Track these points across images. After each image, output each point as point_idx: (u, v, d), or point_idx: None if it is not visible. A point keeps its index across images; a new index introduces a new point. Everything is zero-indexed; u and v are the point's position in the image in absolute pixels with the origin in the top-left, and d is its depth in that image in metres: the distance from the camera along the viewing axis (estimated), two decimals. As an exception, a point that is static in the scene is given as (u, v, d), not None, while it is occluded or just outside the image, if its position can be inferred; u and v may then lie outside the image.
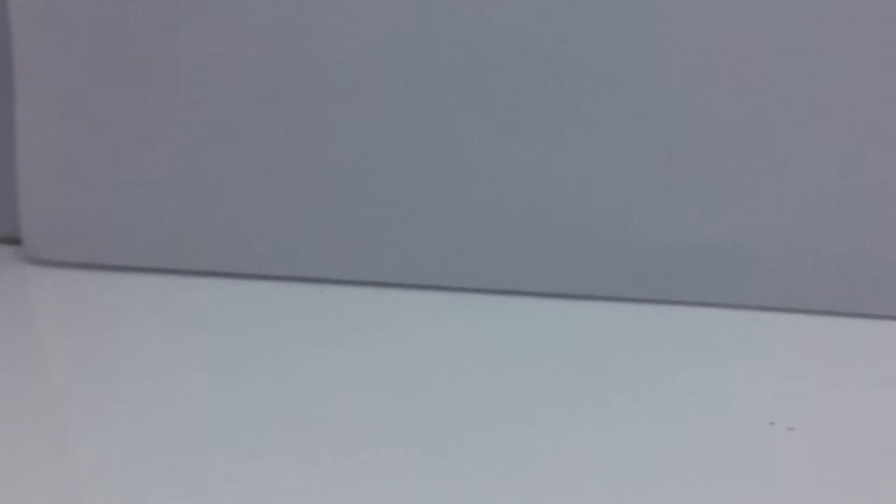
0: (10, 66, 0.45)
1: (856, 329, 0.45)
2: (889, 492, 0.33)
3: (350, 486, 0.32)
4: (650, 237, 0.45)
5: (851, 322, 0.45)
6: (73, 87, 0.45)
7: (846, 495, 0.33)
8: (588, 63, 0.43)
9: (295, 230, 0.46)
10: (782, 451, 0.35)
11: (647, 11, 0.43)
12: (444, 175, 0.45)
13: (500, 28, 0.43)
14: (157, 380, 0.38)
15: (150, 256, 0.47)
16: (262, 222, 0.46)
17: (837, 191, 0.44)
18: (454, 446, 0.34)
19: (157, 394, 0.37)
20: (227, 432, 0.34)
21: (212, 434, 0.34)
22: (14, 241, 0.48)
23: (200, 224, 0.46)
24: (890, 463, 0.35)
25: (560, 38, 0.43)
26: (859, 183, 0.44)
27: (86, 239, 0.46)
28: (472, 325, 0.44)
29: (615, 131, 0.44)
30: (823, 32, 0.42)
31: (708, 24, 0.43)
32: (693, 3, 0.42)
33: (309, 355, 0.40)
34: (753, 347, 0.43)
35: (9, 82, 0.46)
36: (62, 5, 0.44)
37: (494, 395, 0.38)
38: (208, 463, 0.32)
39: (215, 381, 0.38)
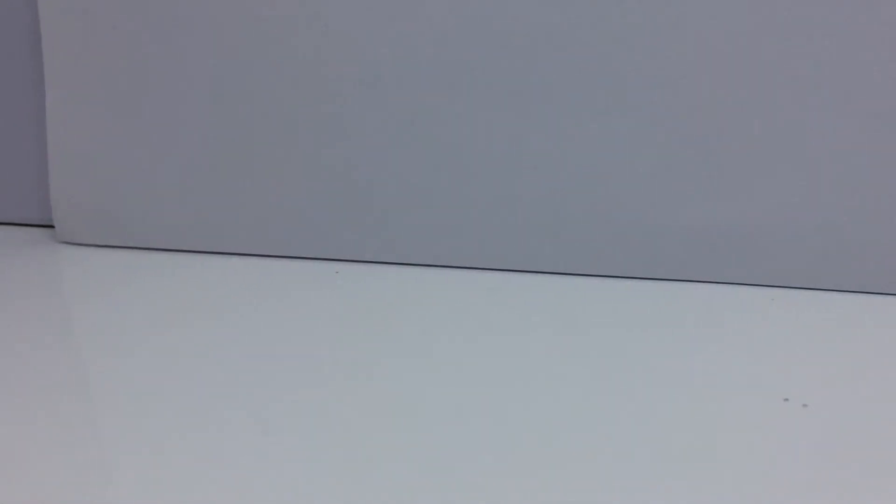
0: (40, 63, 0.47)
1: (870, 306, 0.43)
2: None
3: (365, 464, 0.31)
4: (668, 219, 0.44)
5: (866, 299, 0.43)
6: (97, 83, 0.46)
7: (860, 472, 0.31)
8: (603, 52, 0.43)
9: (314, 212, 0.46)
10: (796, 428, 0.33)
11: (659, 1, 0.41)
12: (463, 161, 0.45)
13: (515, 18, 0.43)
14: (176, 354, 0.38)
15: (171, 237, 0.47)
16: (279, 204, 0.46)
17: (850, 170, 0.43)
18: (472, 422, 0.33)
19: (176, 368, 0.37)
20: (243, 409, 0.34)
21: (228, 410, 0.34)
22: (47, 225, 0.50)
23: (219, 208, 0.47)
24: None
25: (575, 29, 0.42)
26: (871, 163, 0.42)
27: (111, 222, 0.48)
28: (489, 303, 0.43)
29: (631, 117, 0.43)
30: (831, 18, 0.41)
31: (718, 12, 0.41)
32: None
33: (325, 332, 0.40)
34: (769, 324, 0.41)
35: (38, 81, 0.47)
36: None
37: (514, 369, 0.37)
38: (224, 440, 0.32)
39: (233, 356, 0.37)
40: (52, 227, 0.49)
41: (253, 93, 0.45)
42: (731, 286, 0.45)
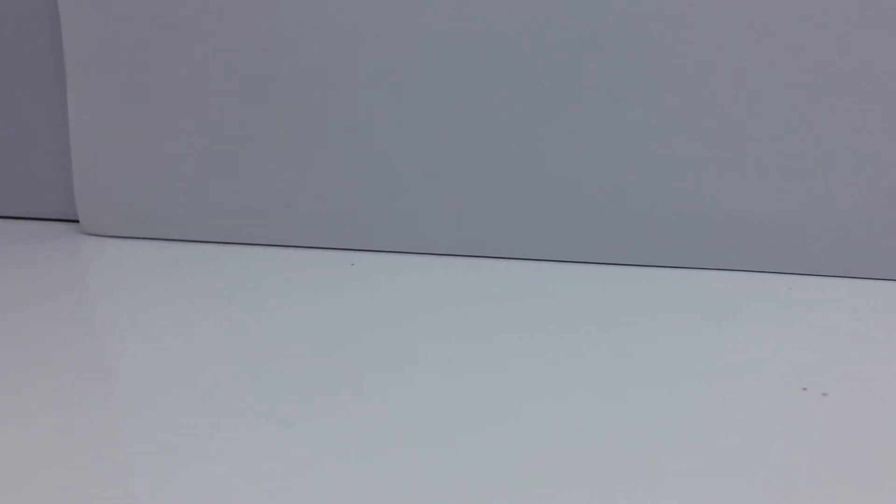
0: (62, 63, 0.46)
1: (889, 293, 0.41)
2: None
3: (383, 455, 0.30)
4: (685, 207, 0.43)
5: (885, 286, 0.42)
6: (117, 81, 0.46)
7: (880, 461, 0.29)
8: (622, 38, 0.41)
9: (332, 204, 0.46)
10: (815, 417, 0.32)
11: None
12: (479, 152, 0.44)
13: (530, 8, 0.41)
14: (196, 342, 0.37)
15: (191, 228, 0.47)
16: (297, 195, 0.46)
17: (869, 158, 0.41)
18: (491, 413, 0.32)
19: (196, 356, 0.36)
20: (262, 399, 0.33)
21: (246, 399, 0.33)
22: (72, 220, 0.50)
23: (238, 199, 0.46)
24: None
25: (593, 17, 0.41)
26: (891, 151, 0.41)
27: (134, 214, 0.47)
28: (505, 292, 0.42)
29: (648, 108, 0.42)
30: (854, 8, 0.40)
31: (741, 1, 0.40)
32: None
33: (342, 321, 0.39)
34: (786, 312, 0.40)
35: (60, 83, 0.47)
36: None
37: (532, 358, 0.36)
38: (239, 430, 0.31)
39: (253, 346, 0.37)
40: (76, 221, 0.49)
41: (272, 87, 0.44)
42: (748, 274, 0.43)
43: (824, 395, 0.33)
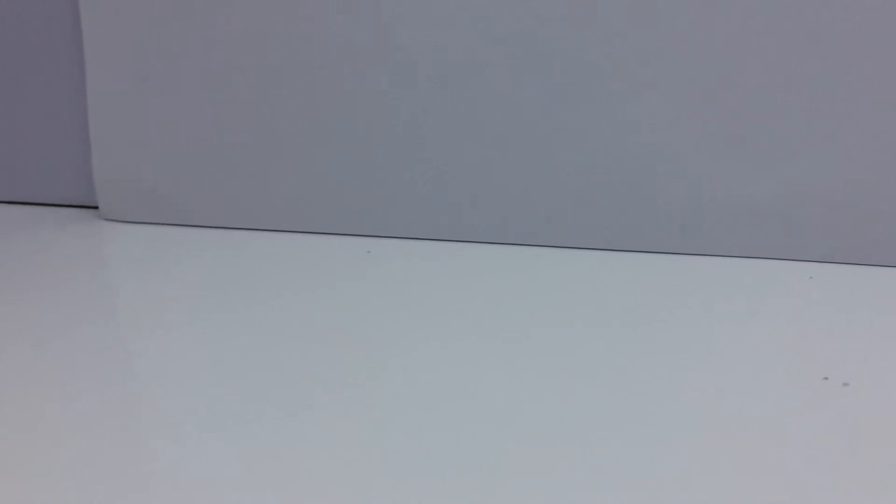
0: (81, 52, 0.46)
1: None
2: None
3: (389, 447, 0.29)
4: (706, 194, 0.42)
5: None
6: (135, 67, 0.45)
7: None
8: (639, 28, 0.41)
9: (347, 190, 0.45)
10: (836, 407, 0.31)
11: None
12: (496, 138, 0.43)
13: None
14: (213, 327, 0.37)
15: (208, 214, 0.47)
16: (313, 181, 0.45)
17: (890, 145, 0.41)
18: (514, 406, 0.32)
19: (213, 341, 0.36)
20: (276, 385, 0.33)
21: (261, 387, 0.33)
22: (92, 206, 0.50)
23: (255, 186, 0.46)
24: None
25: (610, 4, 0.41)
26: None
27: (152, 199, 0.47)
28: (522, 279, 0.42)
29: (667, 93, 0.42)
30: None
31: None
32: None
33: (358, 308, 0.39)
34: (807, 301, 0.39)
35: (80, 70, 0.47)
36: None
37: (548, 345, 0.35)
38: (256, 418, 0.31)
39: (266, 333, 0.37)
40: (95, 207, 0.49)
41: (291, 74, 0.44)
42: (768, 261, 0.43)
43: (845, 384, 0.32)
